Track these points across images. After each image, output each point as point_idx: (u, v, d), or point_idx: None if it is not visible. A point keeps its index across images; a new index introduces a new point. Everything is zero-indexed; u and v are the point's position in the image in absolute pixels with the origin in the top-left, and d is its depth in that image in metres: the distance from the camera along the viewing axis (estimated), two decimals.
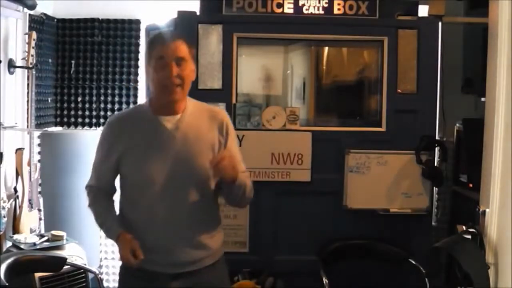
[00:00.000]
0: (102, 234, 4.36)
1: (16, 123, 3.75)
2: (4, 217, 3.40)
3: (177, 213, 2.25)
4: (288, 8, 3.48)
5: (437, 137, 3.67)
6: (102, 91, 4.38)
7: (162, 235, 2.25)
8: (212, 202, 2.35)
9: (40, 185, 3.88)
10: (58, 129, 4.36)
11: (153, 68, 2.23)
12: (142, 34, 4.18)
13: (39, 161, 3.92)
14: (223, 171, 2.15)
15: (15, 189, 3.60)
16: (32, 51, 3.64)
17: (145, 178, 2.25)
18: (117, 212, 2.44)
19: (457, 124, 3.91)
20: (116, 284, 4.44)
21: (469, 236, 2.23)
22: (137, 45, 4.35)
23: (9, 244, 3.44)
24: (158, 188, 2.23)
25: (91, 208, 2.44)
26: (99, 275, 3.41)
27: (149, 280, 2.27)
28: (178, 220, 2.25)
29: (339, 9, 3.50)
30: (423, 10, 3.66)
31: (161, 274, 2.26)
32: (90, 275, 3.36)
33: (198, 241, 2.29)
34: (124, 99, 4.38)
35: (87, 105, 4.39)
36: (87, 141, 4.14)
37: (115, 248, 4.43)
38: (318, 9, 3.50)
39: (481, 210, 2.21)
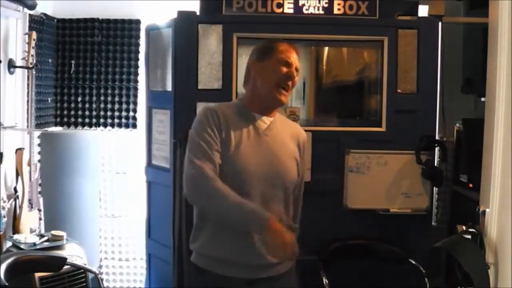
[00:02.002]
0: (102, 234, 4.40)
1: (16, 123, 3.75)
2: (4, 217, 3.40)
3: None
4: (288, 8, 3.49)
5: (437, 137, 3.67)
6: (102, 91, 4.38)
7: (242, 234, 2.18)
8: (291, 207, 2.36)
9: (40, 185, 3.88)
10: (58, 129, 4.36)
11: (273, 66, 2.29)
12: (142, 34, 4.18)
13: (39, 161, 3.92)
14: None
15: (15, 189, 3.60)
16: (32, 51, 3.64)
17: (233, 172, 2.21)
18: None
19: (457, 124, 3.91)
20: (116, 284, 4.49)
21: (469, 236, 2.23)
22: (137, 45, 4.35)
23: (9, 244, 3.44)
24: (245, 183, 2.21)
25: (220, 195, 2.14)
26: (99, 275, 3.41)
27: (220, 286, 2.22)
28: None
29: (339, 9, 3.51)
30: (423, 10, 3.66)
31: (236, 279, 2.22)
32: (90, 275, 3.36)
33: None
34: (124, 99, 4.38)
35: (87, 105, 4.39)
36: (87, 141, 4.15)
37: (115, 248, 4.44)
38: (318, 9, 3.50)
39: (481, 210, 2.21)
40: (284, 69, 2.29)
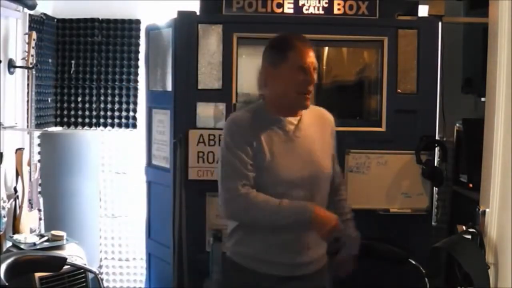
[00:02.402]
0: (102, 234, 4.40)
1: (16, 123, 3.75)
2: (4, 217, 3.40)
3: None
4: (288, 8, 3.49)
5: (437, 137, 3.67)
6: (102, 91, 4.38)
7: (278, 233, 2.23)
8: (327, 206, 2.36)
9: (40, 185, 3.88)
10: (58, 129, 4.36)
11: (290, 73, 2.23)
12: (142, 34, 4.18)
13: (39, 161, 3.92)
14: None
15: (15, 189, 3.60)
16: (32, 51, 3.64)
17: (268, 176, 2.24)
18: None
19: (457, 124, 3.91)
20: (116, 284, 4.49)
21: (469, 236, 2.22)
22: (137, 45, 4.35)
23: (9, 244, 3.44)
24: (281, 186, 2.23)
25: (252, 207, 2.19)
26: (99, 275, 3.40)
27: (256, 283, 2.26)
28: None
29: (339, 9, 3.51)
30: (423, 10, 3.66)
31: (271, 276, 2.25)
32: (90, 275, 3.36)
33: (310, 243, 2.28)
34: (124, 99, 4.38)
35: (87, 105, 4.39)
36: (87, 141, 4.15)
37: (115, 248, 4.44)
38: (318, 9, 3.50)
39: (481, 210, 2.21)
40: (302, 76, 2.23)
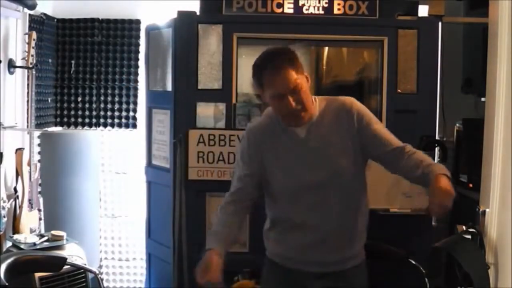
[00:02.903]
0: (102, 234, 4.40)
1: (16, 123, 3.75)
2: (4, 217, 3.40)
3: (318, 215, 2.28)
4: (288, 8, 3.49)
5: (437, 137, 3.67)
6: (102, 91, 4.38)
7: (304, 236, 2.30)
8: (358, 204, 2.39)
9: (40, 185, 3.88)
10: (58, 129, 4.36)
11: (270, 102, 2.23)
12: (142, 34, 4.18)
13: (39, 161, 3.92)
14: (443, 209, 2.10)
15: (15, 189, 3.60)
16: (32, 51, 3.64)
17: (285, 187, 2.30)
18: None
19: (457, 124, 3.90)
20: (116, 284, 4.49)
21: (469, 236, 2.23)
22: (137, 45, 4.35)
23: (9, 244, 3.44)
24: (300, 192, 2.28)
25: (218, 213, 2.38)
26: (99, 275, 3.40)
27: (291, 278, 2.33)
28: (323, 222, 2.29)
29: (339, 9, 3.51)
30: (423, 10, 3.66)
31: (303, 272, 2.32)
32: (90, 275, 3.36)
33: (339, 242, 2.32)
34: (124, 99, 4.38)
35: (87, 105, 4.39)
36: (87, 141, 4.15)
37: (115, 248, 4.44)
38: (318, 9, 3.50)
39: (481, 210, 2.21)
40: (278, 103, 2.19)
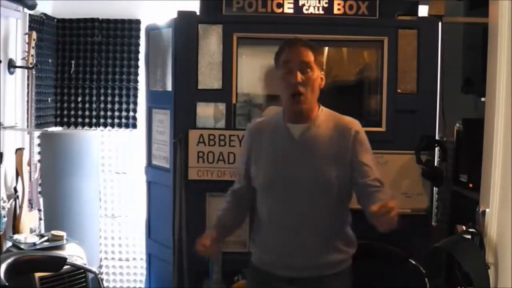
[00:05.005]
0: (102, 234, 4.40)
1: (16, 123, 3.75)
2: (4, 217, 3.40)
3: (298, 218, 2.28)
4: (288, 8, 3.49)
5: (437, 137, 3.67)
6: (102, 91, 4.38)
7: (284, 237, 2.30)
8: (338, 212, 2.35)
9: (40, 185, 3.88)
10: (58, 129, 4.36)
11: (280, 76, 2.26)
12: (142, 34, 4.18)
13: (39, 161, 3.92)
14: (386, 224, 2.13)
15: (15, 189, 3.60)
16: (32, 51, 3.64)
17: (267, 182, 2.32)
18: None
19: (457, 124, 3.90)
20: (116, 284, 4.49)
21: (469, 236, 2.23)
22: (137, 45, 4.35)
23: (9, 244, 3.44)
24: (283, 194, 2.28)
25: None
26: (99, 275, 3.40)
27: (267, 281, 2.35)
28: (299, 225, 2.28)
29: (339, 9, 3.51)
30: (423, 10, 3.66)
31: (278, 276, 2.31)
32: (90, 275, 3.36)
33: (316, 249, 2.30)
34: (124, 99, 4.38)
35: (87, 105, 4.39)
36: (87, 141, 4.15)
37: (115, 248, 4.44)
38: (318, 9, 3.50)
39: (481, 210, 2.21)
40: (287, 74, 2.24)
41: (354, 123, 2.37)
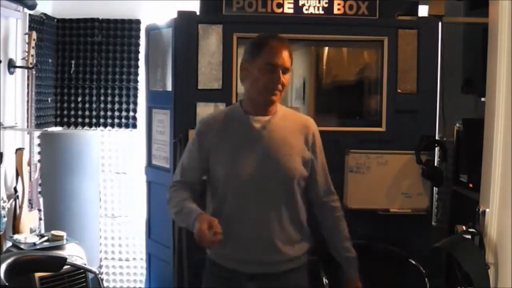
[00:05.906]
0: (102, 234, 4.40)
1: (16, 123, 3.75)
2: (4, 217, 3.40)
3: (258, 212, 2.27)
4: (288, 8, 3.49)
5: (437, 137, 3.67)
6: (102, 91, 4.38)
7: (243, 231, 2.28)
8: (297, 210, 2.35)
9: (40, 185, 3.88)
10: (58, 129, 4.36)
11: (258, 70, 2.26)
12: (142, 34, 4.18)
13: (39, 161, 3.92)
14: None
15: (15, 189, 3.60)
16: (32, 51, 3.64)
17: (229, 175, 2.29)
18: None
19: (457, 124, 3.91)
20: (116, 284, 4.49)
21: (469, 236, 2.23)
22: (137, 45, 4.35)
23: (9, 244, 3.44)
24: (243, 185, 2.27)
25: (170, 202, 2.40)
26: (99, 275, 3.41)
27: (227, 277, 2.33)
28: (259, 219, 2.28)
29: (339, 9, 3.51)
30: (423, 10, 3.66)
31: (238, 272, 2.30)
32: (90, 275, 3.36)
33: (276, 243, 2.29)
34: (124, 99, 4.39)
35: (87, 105, 4.39)
36: (87, 141, 4.15)
37: (115, 248, 4.44)
38: (318, 9, 3.50)
39: (481, 210, 2.21)
40: (269, 74, 2.25)
41: (311, 122, 2.43)
